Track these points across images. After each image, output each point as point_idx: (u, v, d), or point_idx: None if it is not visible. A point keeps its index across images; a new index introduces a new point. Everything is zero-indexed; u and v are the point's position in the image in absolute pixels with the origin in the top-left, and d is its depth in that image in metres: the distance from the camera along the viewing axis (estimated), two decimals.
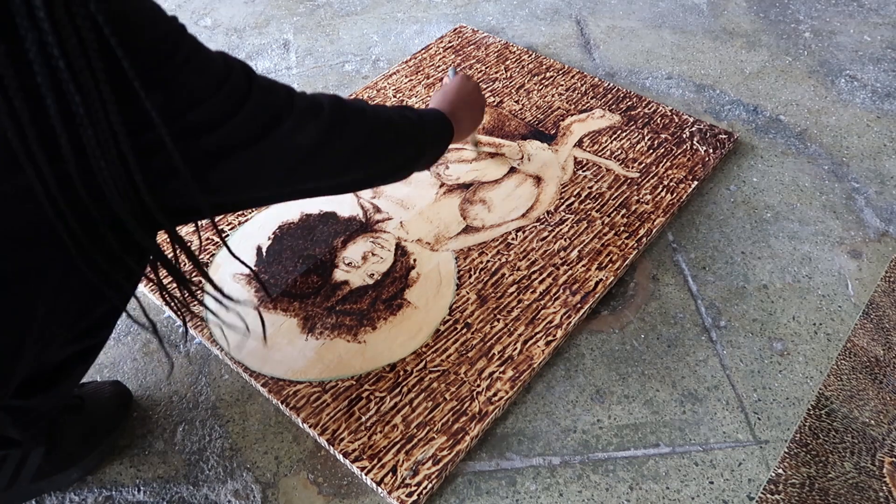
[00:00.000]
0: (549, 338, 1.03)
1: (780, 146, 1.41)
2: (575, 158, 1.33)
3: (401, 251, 1.16)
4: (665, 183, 1.28)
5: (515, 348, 1.02)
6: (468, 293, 1.09)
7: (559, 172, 1.30)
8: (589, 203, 1.24)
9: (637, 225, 1.20)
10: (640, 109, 1.45)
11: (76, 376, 0.77)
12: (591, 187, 1.27)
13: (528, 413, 0.98)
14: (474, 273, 1.12)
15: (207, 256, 1.14)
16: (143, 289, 1.11)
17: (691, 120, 1.42)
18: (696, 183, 1.28)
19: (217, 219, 1.14)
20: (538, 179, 1.29)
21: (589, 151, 1.35)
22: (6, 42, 0.47)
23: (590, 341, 1.07)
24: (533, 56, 1.59)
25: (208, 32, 1.73)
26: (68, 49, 0.48)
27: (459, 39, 1.64)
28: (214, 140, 0.60)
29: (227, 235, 1.18)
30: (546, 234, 1.19)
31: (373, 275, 1.12)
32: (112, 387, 0.96)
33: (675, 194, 1.26)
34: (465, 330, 1.05)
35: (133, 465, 0.92)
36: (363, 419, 0.94)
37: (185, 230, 1.18)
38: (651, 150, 1.35)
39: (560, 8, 1.81)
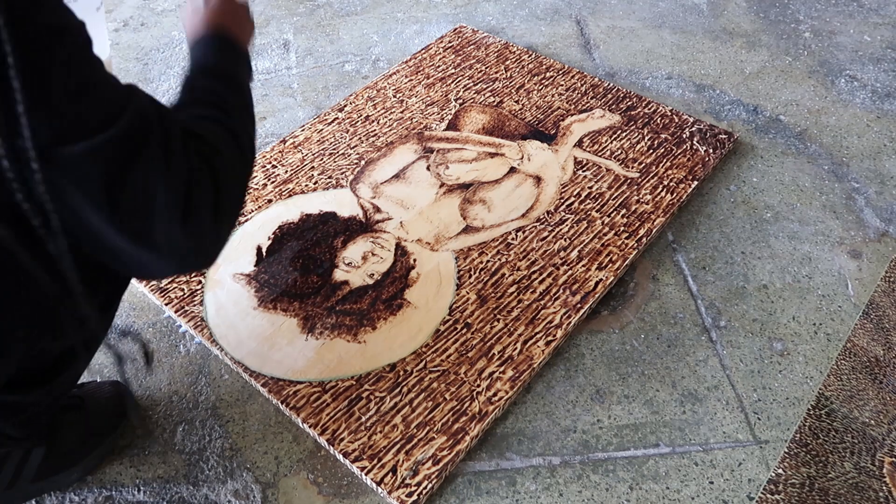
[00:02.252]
0: (549, 338, 1.03)
1: (780, 146, 1.41)
2: (575, 158, 1.33)
3: (401, 251, 1.16)
4: (665, 183, 1.28)
5: (515, 348, 1.02)
6: (468, 293, 1.09)
7: (559, 172, 1.30)
8: (589, 203, 1.24)
9: (637, 225, 1.20)
10: (640, 109, 1.45)
11: (74, 370, 0.77)
12: (591, 187, 1.27)
13: (528, 413, 0.98)
14: (474, 273, 1.12)
15: None
16: (143, 289, 1.11)
17: (691, 120, 1.42)
18: (696, 183, 1.28)
19: None
20: (538, 179, 1.29)
21: (589, 151, 1.35)
22: None
23: (590, 341, 1.07)
24: (533, 56, 1.59)
25: None
26: None
27: (459, 39, 1.64)
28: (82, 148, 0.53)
29: None
30: (546, 234, 1.19)
31: (373, 275, 1.12)
32: (112, 387, 0.96)
33: (675, 194, 1.26)
34: (465, 330, 1.05)
35: (133, 465, 0.92)
36: (363, 419, 0.94)
37: None
38: (651, 150, 1.35)
39: (560, 8, 1.81)
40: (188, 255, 0.62)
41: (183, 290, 1.09)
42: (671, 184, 1.28)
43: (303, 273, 1.12)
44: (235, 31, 0.81)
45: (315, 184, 1.27)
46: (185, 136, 0.62)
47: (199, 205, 0.60)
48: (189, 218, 0.59)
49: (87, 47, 0.55)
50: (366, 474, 0.88)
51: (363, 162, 1.32)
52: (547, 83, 1.51)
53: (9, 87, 0.49)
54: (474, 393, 0.97)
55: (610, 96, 1.48)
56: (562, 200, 1.25)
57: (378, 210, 1.22)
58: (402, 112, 1.43)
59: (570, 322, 1.05)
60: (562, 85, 1.51)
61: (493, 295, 1.09)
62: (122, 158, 0.55)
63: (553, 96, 1.48)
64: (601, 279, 1.11)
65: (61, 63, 0.52)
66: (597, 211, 1.23)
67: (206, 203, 0.61)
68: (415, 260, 1.14)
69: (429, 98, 1.47)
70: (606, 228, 1.19)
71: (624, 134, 1.39)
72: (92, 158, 0.53)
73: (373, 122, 1.41)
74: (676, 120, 1.42)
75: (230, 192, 0.66)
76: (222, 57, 0.78)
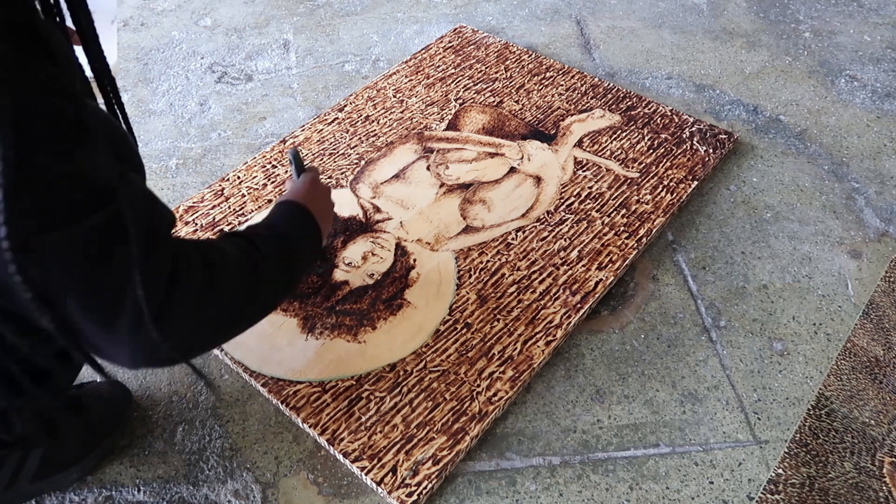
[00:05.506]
0: (549, 338, 1.03)
1: (780, 146, 1.41)
2: (575, 158, 1.33)
3: (401, 251, 1.16)
4: (665, 183, 1.28)
5: (515, 348, 1.02)
6: (468, 293, 1.09)
7: (559, 172, 1.30)
8: (589, 203, 1.24)
9: (637, 225, 1.20)
10: (640, 109, 1.45)
11: (67, 374, 0.76)
12: (591, 187, 1.27)
13: (528, 413, 0.98)
14: (474, 273, 1.12)
15: None
16: None
17: (691, 120, 1.42)
18: (696, 183, 1.28)
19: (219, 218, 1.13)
20: (538, 179, 1.29)
21: (589, 151, 1.35)
22: None
23: (590, 341, 1.07)
24: (533, 56, 1.59)
25: (208, 32, 1.73)
26: None
27: (459, 39, 1.64)
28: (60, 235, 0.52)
29: None
30: (546, 234, 1.19)
31: (373, 275, 1.12)
32: (112, 387, 0.96)
33: (675, 194, 1.26)
34: (465, 330, 1.05)
35: (133, 465, 0.92)
36: (363, 419, 0.94)
37: (185, 230, 1.18)
38: (651, 150, 1.35)
39: (560, 8, 1.81)
40: (156, 350, 0.59)
41: None
42: (671, 184, 1.28)
43: None
44: (317, 213, 0.85)
45: None
46: (190, 243, 0.64)
47: (179, 302, 0.58)
48: (164, 316, 0.57)
49: (86, 137, 0.53)
50: (366, 474, 0.88)
51: (363, 162, 1.32)
52: (547, 83, 1.51)
53: None
54: (474, 393, 0.97)
55: (610, 96, 1.48)
56: (562, 200, 1.25)
57: (378, 210, 1.22)
58: (402, 112, 1.43)
59: (570, 322, 1.05)
60: (562, 85, 1.51)
61: (493, 295, 1.09)
62: (102, 243, 0.53)
63: (553, 96, 1.48)
64: (601, 279, 1.11)
65: (51, 153, 0.50)
66: (597, 211, 1.23)
67: (187, 301, 0.59)
68: (415, 260, 1.14)
69: (429, 98, 1.47)
70: (606, 228, 1.19)
71: (624, 134, 1.39)
72: (69, 245, 0.52)
73: (373, 122, 1.41)
74: (676, 120, 1.42)
75: (222, 308, 0.64)
76: (293, 224, 0.82)
